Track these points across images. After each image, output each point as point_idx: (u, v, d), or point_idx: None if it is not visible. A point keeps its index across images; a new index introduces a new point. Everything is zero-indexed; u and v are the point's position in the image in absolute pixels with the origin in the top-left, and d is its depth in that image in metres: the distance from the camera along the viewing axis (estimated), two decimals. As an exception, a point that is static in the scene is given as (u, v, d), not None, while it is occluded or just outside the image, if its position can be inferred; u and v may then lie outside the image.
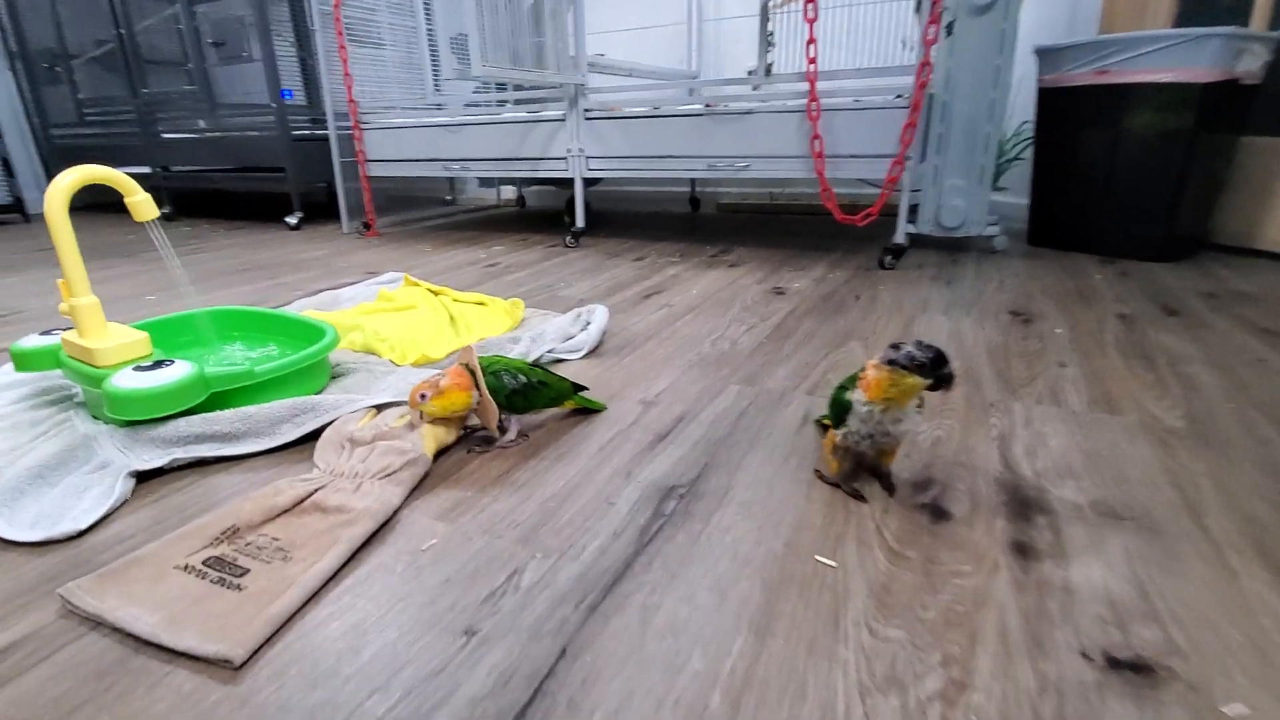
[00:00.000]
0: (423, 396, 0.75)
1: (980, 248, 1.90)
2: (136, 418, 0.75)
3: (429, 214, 3.03)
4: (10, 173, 3.06)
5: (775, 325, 1.24)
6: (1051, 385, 0.93)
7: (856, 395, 0.65)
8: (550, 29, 1.86)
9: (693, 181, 2.96)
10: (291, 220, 2.62)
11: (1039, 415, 0.84)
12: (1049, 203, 1.88)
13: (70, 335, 0.83)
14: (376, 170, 2.45)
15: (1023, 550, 0.59)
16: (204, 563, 0.59)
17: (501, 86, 2.41)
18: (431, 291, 1.42)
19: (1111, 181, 1.72)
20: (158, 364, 0.78)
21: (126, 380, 0.76)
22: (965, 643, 0.48)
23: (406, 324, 1.22)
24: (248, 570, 0.57)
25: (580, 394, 0.88)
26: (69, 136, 3.28)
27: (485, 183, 3.41)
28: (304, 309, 1.33)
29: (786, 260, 1.83)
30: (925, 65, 1.49)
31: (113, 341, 0.81)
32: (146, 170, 3.05)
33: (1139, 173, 1.67)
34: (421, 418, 0.77)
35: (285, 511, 0.65)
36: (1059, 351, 1.06)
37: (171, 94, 2.86)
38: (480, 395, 0.78)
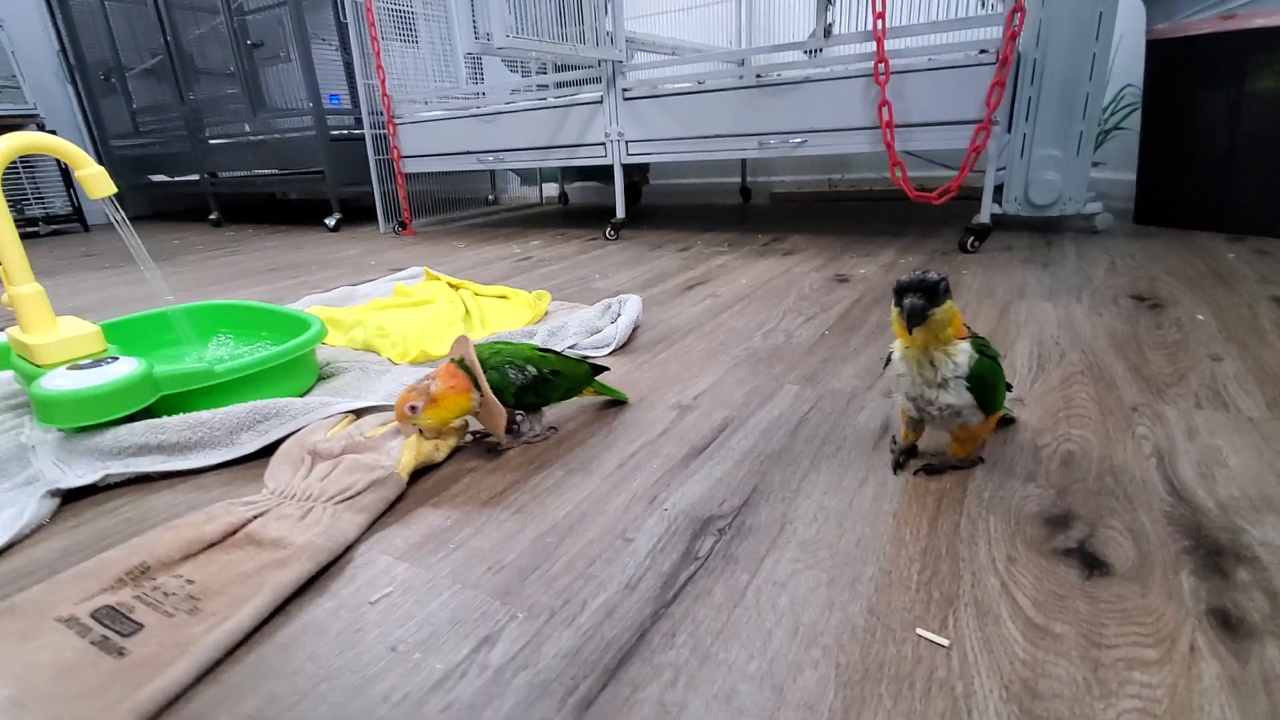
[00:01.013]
0: (413, 409, 0.61)
1: (1078, 228, 1.65)
2: (65, 425, 0.63)
3: (469, 213, 2.94)
4: (70, 183, 3.13)
5: (839, 315, 1.05)
6: (1209, 384, 0.71)
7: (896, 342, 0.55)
8: (586, 2, 1.71)
9: (743, 168, 2.77)
10: (330, 222, 2.57)
11: (1204, 423, 0.63)
12: (1161, 174, 1.61)
13: (15, 331, 0.73)
14: (411, 167, 2.37)
15: (1228, 623, 0.39)
16: (93, 614, 0.45)
17: (542, 71, 2.28)
18: (451, 285, 1.29)
19: (1238, 147, 1.45)
20: (98, 362, 0.66)
21: (57, 381, 0.64)
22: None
23: (416, 319, 1.09)
24: (140, 627, 0.43)
25: (599, 379, 0.73)
26: (127, 146, 3.34)
27: (527, 181, 3.30)
28: (312, 306, 1.21)
29: (849, 246, 1.63)
30: (1017, 11, 1.27)
31: (55, 336, 0.69)
32: (195, 177, 3.06)
33: (1273, 137, 1.40)
34: (422, 434, 0.63)
35: (212, 545, 0.51)
36: (1207, 342, 0.84)
37: (217, 98, 2.85)
38: (483, 395, 0.63)
